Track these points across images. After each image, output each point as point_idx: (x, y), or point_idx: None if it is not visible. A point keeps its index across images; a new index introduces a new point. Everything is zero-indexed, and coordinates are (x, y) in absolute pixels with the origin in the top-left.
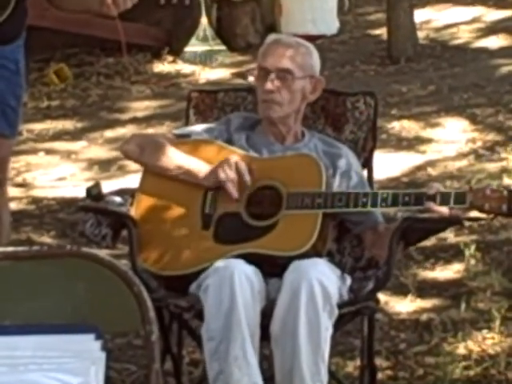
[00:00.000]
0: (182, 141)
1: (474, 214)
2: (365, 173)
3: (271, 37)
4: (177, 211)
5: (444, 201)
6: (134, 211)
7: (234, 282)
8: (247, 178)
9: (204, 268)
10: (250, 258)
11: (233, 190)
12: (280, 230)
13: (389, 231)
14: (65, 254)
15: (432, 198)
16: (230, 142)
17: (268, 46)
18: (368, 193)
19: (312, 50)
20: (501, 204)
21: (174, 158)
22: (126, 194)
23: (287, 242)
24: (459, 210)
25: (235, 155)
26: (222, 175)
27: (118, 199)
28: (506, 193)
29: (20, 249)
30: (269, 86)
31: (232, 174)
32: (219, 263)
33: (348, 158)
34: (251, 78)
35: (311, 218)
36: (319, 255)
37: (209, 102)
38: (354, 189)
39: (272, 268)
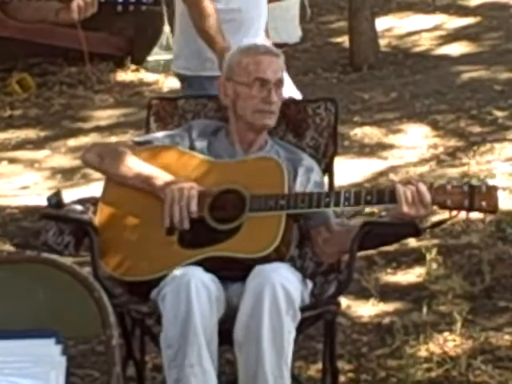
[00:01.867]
0: (142, 148)
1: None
2: (326, 178)
3: (253, 44)
4: (140, 218)
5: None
6: (98, 219)
7: (191, 289)
8: (194, 207)
9: (167, 274)
10: (214, 262)
11: (167, 217)
12: (244, 232)
13: (343, 229)
14: (24, 259)
15: (393, 195)
16: (191, 148)
17: (259, 55)
18: (331, 193)
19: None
20: (462, 199)
21: (133, 166)
22: (87, 202)
23: (251, 244)
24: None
25: (193, 183)
26: (168, 197)
27: (79, 207)
28: (466, 188)
29: None
30: (274, 97)
31: (176, 204)
32: (176, 271)
33: (309, 162)
34: None
35: (275, 220)
36: (283, 257)
37: (169, 110)
38: (312, 190)
39: (236, 271)
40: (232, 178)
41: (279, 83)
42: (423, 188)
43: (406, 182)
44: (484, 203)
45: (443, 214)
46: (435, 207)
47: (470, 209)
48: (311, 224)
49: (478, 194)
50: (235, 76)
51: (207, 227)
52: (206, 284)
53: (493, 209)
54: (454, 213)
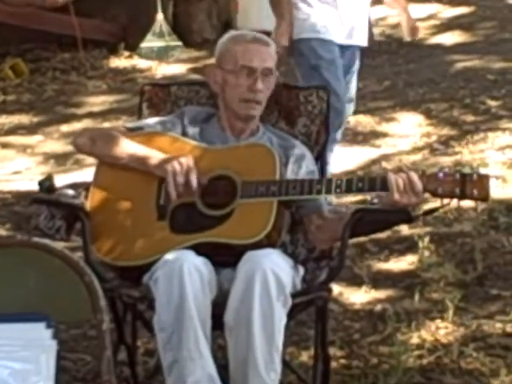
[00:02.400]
0: (134, 134)
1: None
2: (318, 166)
3: (241, 33)
4: (132, 203)
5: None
6: (90, 203)
7: (183, 273)
8: (194, 180)
9: (158, 259)
10: (205, 248)
11: (172, 190)
12: (235, 218)
13: (336, 218)
14: (15, 243)
15: (385, 183)
16: (183, 134)
17: (248, 43)
18: (322, 180)
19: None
20: (454, 187)
21: (126, 147)
22: (79, 187)
23: (243, 230)
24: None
25: (189, 156)
26: (169, 169)
27: (70, 192)
28: (458, 176)
29: None
30: (260, 86)
31: (179, 175)
32: (169, 255)
33: (301, 150)
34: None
35: (266, 206)
36: (274, 244)
37: (162, 96)
38: (302, 178)
39: (227, 257)
40: (224, 164)
41: (267, 72)
42: (414, 176)
43: (398, 171)
44: (475, 191)
45: (435, 202)
46: (427, 195)
47: (461, 197)
48: (304, 212)
49: (469, 182)
50: (224, 64)
51: (198, 213)
52: (199, 267)
53: (484, 197)
54: (446, 201)
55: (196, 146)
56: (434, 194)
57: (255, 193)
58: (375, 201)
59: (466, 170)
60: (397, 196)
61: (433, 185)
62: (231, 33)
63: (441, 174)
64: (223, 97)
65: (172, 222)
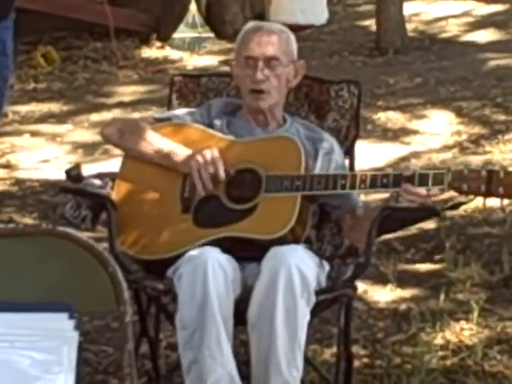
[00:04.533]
0: (162, 124)
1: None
2: (347, 161)
3: (250, 24)
4: (157, 195)
5: (422, 182)
6: (115, 195)
7: (208, 271)
8: (222, 172)
9: (182, 252)
10: (229, 242)
11: (199, 184)
12: (259, 213)
13: (367, 215)
14: (40, 232)
15: (410, 180)
16: (210, 126)
17: (251, 33)
18: (347, 175)
19: (290, 35)
20: (479, 184)
21: (153, 142)
22: (106, 177)
23: (266, 225)
24: (437, 192)
25: (212, 145)
26: (193, 164)
27: (97, 182)
28: (484, 173)
29: None
30: (259, 75)
31: (204, 172)
32: (193, 251)
33: (330, 143)
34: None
35: (290, 201)
36: (298, 239)
37: (192, 87)
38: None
39: (250, 252)
40: (250, 157)
41: (271, 60)
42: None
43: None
44: (501, 189)
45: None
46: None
47: (486, 194)
48: (339, 212)
49: (495, 180)
50: (235, 57)
51: (222, 206)
52: (223, 265)
53: (510, 195)
54: (471, 197)
55: (222, 138)
56: (459, 191)
57: (280, 187)
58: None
59: (494, 167)
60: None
61: (458, 182)
62: (245, 26)
63: (466, 171)
64: (241, 90)
65: (196, 216)
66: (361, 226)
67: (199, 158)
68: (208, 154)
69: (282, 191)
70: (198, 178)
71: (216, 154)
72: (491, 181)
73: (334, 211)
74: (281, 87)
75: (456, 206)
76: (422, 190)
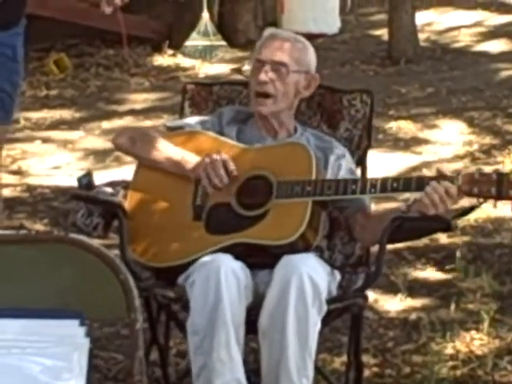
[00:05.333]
0: (174, 133)
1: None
2: (358, 171)
3: (269, 30)
4: (168, 203)
5: None
6: (127, 203)
7: (220, 277)
8: (232, 166)
9: (193, 259)
10: (240, 248)
11: (208, 187)
12: (270, 219)
13: (378, 215)
14: (52, 239)
15: (420, 183)
16: (221, 134)
17: (265, 39)
18: (357, 179)
19: (308, 47)
20: (490, 187)
21: (164, 150)
22: (118, 185)
23: (277, 231)
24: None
25: (223, 152)
26: (201, 170)
27: (109, 190)
28: (494, 176)
29: (7, 232)
30: (263, 77)
31: (212, 172)
32: (206, 258)
33: (341, 150)
34: (246, 67)
35: (301, 207)
36: (310, 245)
37: (204, 95)
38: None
39: (262, 258)
40: (260, 164)
41: (278, 65)
42: (451, 188)
43: (435, 180)
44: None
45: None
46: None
47: (497, 197)
48: (349, 212)
49: (506, 182)
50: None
51: (234, 213)
52: (236, 272)
53: None
54: (482, 200)
55: (233, 145)
56: (470, 194)
57: (290, 193)
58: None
59: (503, 171)
60: (432, 210)
61: (468, 185)
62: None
63: (476, 175)
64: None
65: (207, 223)
66: (372, 228)
67: (207, 160)
68: (216, 155)
69: (292, 197)
70: (206, 177)
71: (224, 155)
72: (502, 184)
73: (342, 212)
74: (287, 95)
75: (467, 212)
76: (436, 195)
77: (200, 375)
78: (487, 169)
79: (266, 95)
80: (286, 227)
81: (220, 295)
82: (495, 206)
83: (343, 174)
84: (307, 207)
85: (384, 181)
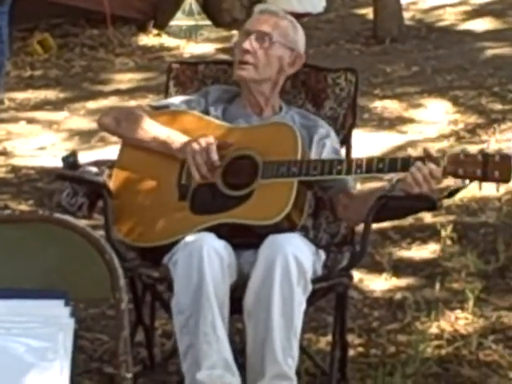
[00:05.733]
0: (159, 112)
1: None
2: (343, 150)
3: (260, 6)
4: (154, 183)
5: None
6: (112, 182)
7: (203, 256)
8: (215, 158)
9: (178, 239)
10: (225, 229)
11: (193, 168)
12: (256, 199)
13: (361, 194)
14: (36, 219)
15: (405, 164)
16: (206, 113)
17: (256, 14)
18: (343, 160)
19: (297, 26)
20: (475, 169)
21: (150, 129)
22: (103, 165)
23: (263, 211)
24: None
25: (208, 132)
26: (189, 157)
27: (94, 169)
28: (480, 157)
29: None
30: (246, 45)
31: (199, 158)
32: (189, 237)
33: (326, 129)
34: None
35: (286, 187)
36: (295, 225)
37: (189, 74)
38: (327, 157)
39: (248, 238)
40: (246, 144)
41: (261, 35)
42: (435, 170)
43: (420, 160)
44: (497, 173)
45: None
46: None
47: (482, 178)
48: (332, 192)
49: (491, 164)
50: None
51: (219, 193)
52: (218, 250)
53: (506, 178)
54: (467, 182)
55: (219, 125)
56: (455, 175)
57: (276, 173)
58: (394, 181)
59: (489, 151)
60: (415, 189)
61: (454, 166)
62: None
63: (462, 155)
64: None
65: (193, 203)
66: (356, 208)
67: (194, 145)
68: (203, 140)
69: (278, 177)
70: (193, 163)
71: (211, 140)
72: (487, 165)
73: (326, 192)
74: (270, 66)
75: (452, 194)
76: (420, 175)
77: (187, 354)
78: (472, 148)
79: (247, 63)
80: (272, 207)
81: (203, 274)
82: (480, 188)
83: (327, 153)
84: (293, 187)
85: (369, 161)
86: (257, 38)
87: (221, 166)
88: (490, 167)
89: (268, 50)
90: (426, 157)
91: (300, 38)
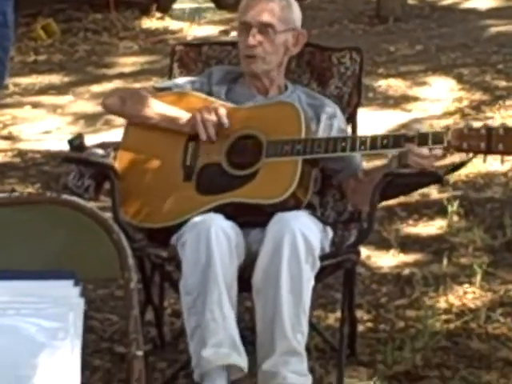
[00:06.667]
0: (163, 93)
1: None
2: (349, 129)
3: None
4: (159, 163)
5: (422, 141)
6: (117, 164)
7: (211, 237)
8: (225, 120)
9: (185, 220)
10: (231, 208)
11: (203, 132)
12: (261, 178)
13: (369, 177)
14: (45, 200)
15: (410, 140)
16: (210, 94)
17: (250, 0)
18: (346, 137)
19: (292, 3)
20: (479, 142)
21: (155, 107)
22: (109, 147)
23: (268, 190)
24: (439, 152)
25: (216, 103)
26: (198, 117)
27: (100, 151)
28: (483, 131)
29: (0, 195)
30: (251, 41)
31: (208, 116)
32: (197, 218)
33: (332, 108)
34: (233, 34)
35: (291, 165)
36: (300, 203)
37: (193, 56)
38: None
39: (254, 217)
40: (250, 123)
41: (265, 27)
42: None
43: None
44: (501, 145)
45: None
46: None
47: (487, 151)
48: (342, 176)
49: (495, 137)
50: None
51: (224, 173)
52: (226, 231)
53: (511, 150)
54: (471, 155)
55: (223, 104)
56: (460, 150)
57: (280, 152)
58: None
59: (492, 125)
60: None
61: (458, 140)
62: None
63: (466, 130)
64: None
65: (198, 183)
66: (363, 189)
67: (203, 110)
68: (213, 105)
69: (282, 156)
70: (201, 119)
71: (219, 107)
72: (491, 138)
73: (336, 175)
74: (277, 53)
75: (457, 168)
76: (424, 150)
77: (194, 334)
78: (477, 125)
79: (255, 57)
80: (277, 186)
81: (211, 255)
82: (485, 160)
83: (335, 133)
84: (297, 166)
85: (374, 138)
86: (260, 31)
87: (225, 145)
88: (494, 140)
89: (274, 41)
90: (429, 133)
91: (297, 14)
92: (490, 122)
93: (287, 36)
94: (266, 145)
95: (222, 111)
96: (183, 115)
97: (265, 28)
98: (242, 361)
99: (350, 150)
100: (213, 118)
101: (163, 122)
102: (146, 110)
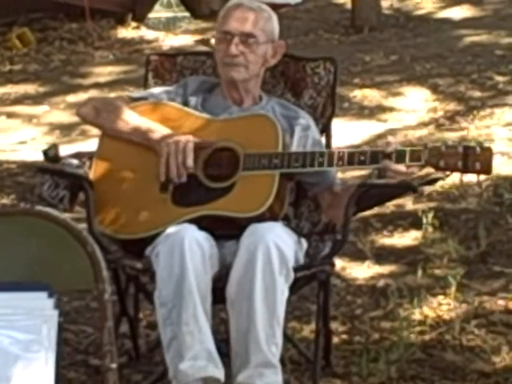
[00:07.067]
0: (138, 103)
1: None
2: (323, 139)
3: (233, 1)
4: (134, 174)
5: (399, 158)
6: (92, 174)
7: (185, 248)
8: (190, 163)
9: (160, 231)
10: (207, 221)
11: (162, 171)
12: (237, 191)
13: (345, 192)
14: (18, 211)
15: (388, 156)
16: (185, 104)
17: (229, 9)
18: (324, 152)
19: (272, 15)
20: (456, 160)
21: (130, 120)
22: (84, 156)
23: (244, 203)
24: (415, 169)
25: (190, 135)
26: (164, 150)
27: (75, 161)
28: (461, 149)
29: None
30: (233, 50)
31: (173, 159)
32: (170, 229)
33: (306, 120)
34: (213, 41)
35: (268, 179)
36: (276, 216)
37: (168, 66)
38: (310, 149)
39: (229, 230)
40: (227, 136)
41: (246, 36)
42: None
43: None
44: (478, 164)
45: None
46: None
47: (463, 170)
48: (317, 190)
49: (472, 156)
50: (215, 34)
51: (200, 185)
52: (200, 242)
53: (486, 170)
54: (448, 173)
55: (199, 116)
56: (436, 167)
57: (258, 165)
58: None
59: (469, 143)
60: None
61: (435, 158)
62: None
63: (443, 147)
64: (217, 65)
65: (174, 194)
66: (339, 203)
67: (171, 145)
68: (182, 142)
69: (259, 169)
70: (164, 164)
71: (190, 144)
72: (468, 157)
73: (312, 188)
74: (257, 63)
75: (432, 182)
76: (401, 167)
77: (170, 346)
78: (452, 135)
79: (239, 66)
80: (254, 200)
81: (185, 266)
82: (461, 181)
83: (310, 146)
84: (274, 180)
85: (351, 153)
86: (241, 40)
87: (202, 157)
88: (471, 159)
89: (256, 51)
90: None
91: (275, 26)
92: (465, 136)
93: (267, 47)
94: (243, 158)
95: (190, 149)
96: (157, 131)
97: (247, 38)
98: (218, 372)
99: (328, 165)
100: (179, 159)
101: (136, 136)
102: (119, 124)
